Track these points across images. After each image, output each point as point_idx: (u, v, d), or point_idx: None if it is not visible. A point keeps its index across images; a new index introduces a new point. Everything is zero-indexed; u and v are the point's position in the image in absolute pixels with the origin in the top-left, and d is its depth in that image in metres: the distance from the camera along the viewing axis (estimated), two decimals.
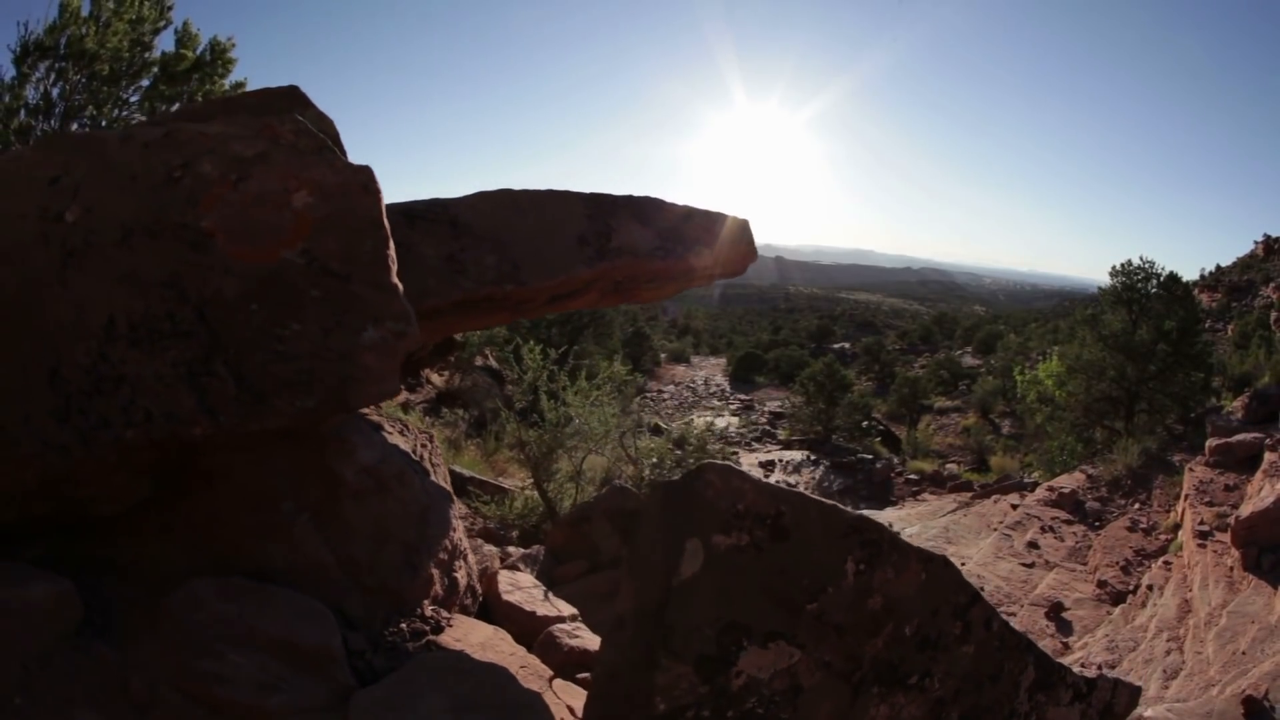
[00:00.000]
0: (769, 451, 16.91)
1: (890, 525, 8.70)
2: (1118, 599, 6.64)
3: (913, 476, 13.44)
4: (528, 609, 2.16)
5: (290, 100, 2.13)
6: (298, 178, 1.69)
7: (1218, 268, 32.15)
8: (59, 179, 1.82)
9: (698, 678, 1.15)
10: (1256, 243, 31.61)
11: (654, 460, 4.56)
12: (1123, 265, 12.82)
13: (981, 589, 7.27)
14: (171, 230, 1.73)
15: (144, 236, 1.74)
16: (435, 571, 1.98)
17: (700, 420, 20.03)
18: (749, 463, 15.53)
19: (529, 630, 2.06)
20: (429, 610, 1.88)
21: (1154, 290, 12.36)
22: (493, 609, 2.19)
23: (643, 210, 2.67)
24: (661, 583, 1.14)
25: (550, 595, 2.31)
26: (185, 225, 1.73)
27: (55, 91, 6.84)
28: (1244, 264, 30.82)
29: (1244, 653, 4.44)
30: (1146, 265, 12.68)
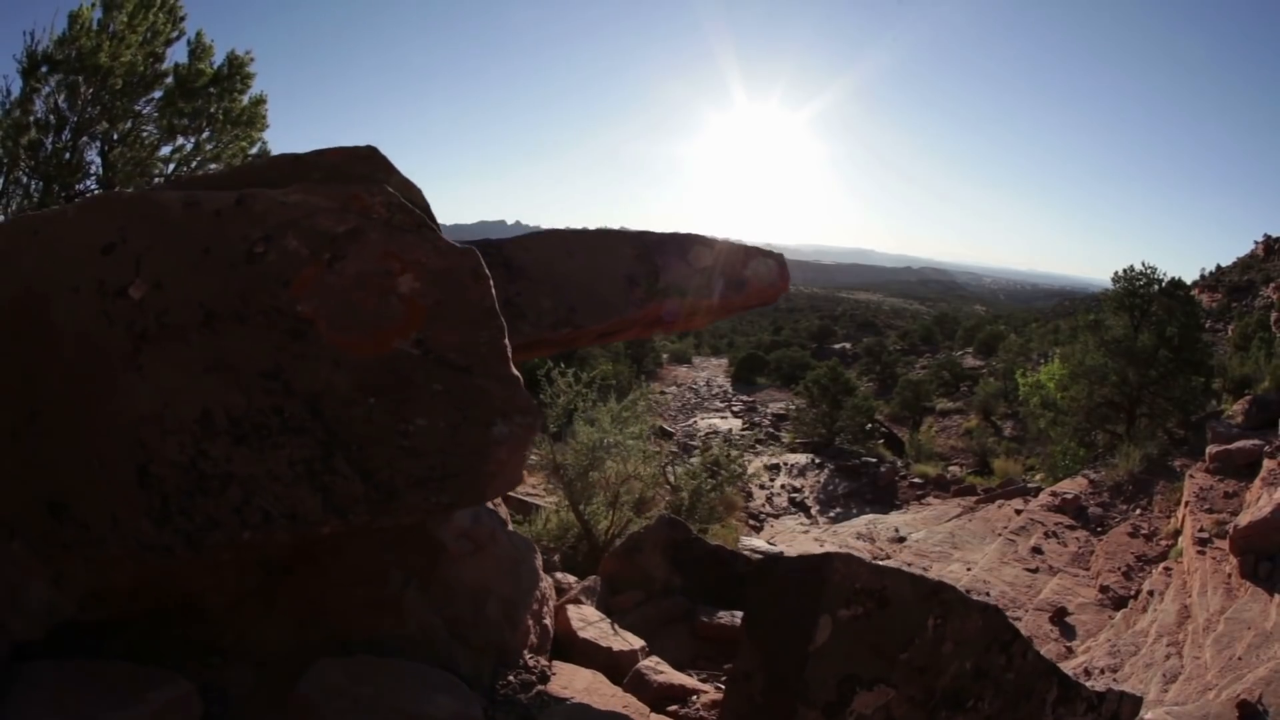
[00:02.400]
0: (773, 455, 17.08)
1: (896, 530, 8.93)
2: (1119, 604, 6.83)
3: (917, 480, 13.61)
4: (604, 645, 2.27)
5: (370, 163, 1.99)
6: (400, 259, 1.61)
7: (1218, 268, 32.24)
8: (114, 247, 1.67)
9: (823, 719, 1.46)
10: (1256, 243, 31.69)
11: (693, 486, 4.72)
12: (1125, 271, 12.98)
13: (987, 594, 7.48)
14: (263, 315, 1.60)
15: (230, 321, 1.60)
16: (530, 622, 2.05)
17: (705, 422, 20.10)
18: (754, 466, 15.68)
19: (608, 665, 2.18)
20: (530, 660, 1.97)
21: (1155, 293, 12.52)
22: (567, 645, 2.28)
23: (686, 248, 2.75)
24: (800, 649, 1.46)
25: (617, 628, 2.44)
26: (279, 310, 1.60)
27: (64, 105, 6.80)
28: (1244, 264, 30.91)
29: (1240, 658, 4.63)
30: (1149, 270, 12.85)
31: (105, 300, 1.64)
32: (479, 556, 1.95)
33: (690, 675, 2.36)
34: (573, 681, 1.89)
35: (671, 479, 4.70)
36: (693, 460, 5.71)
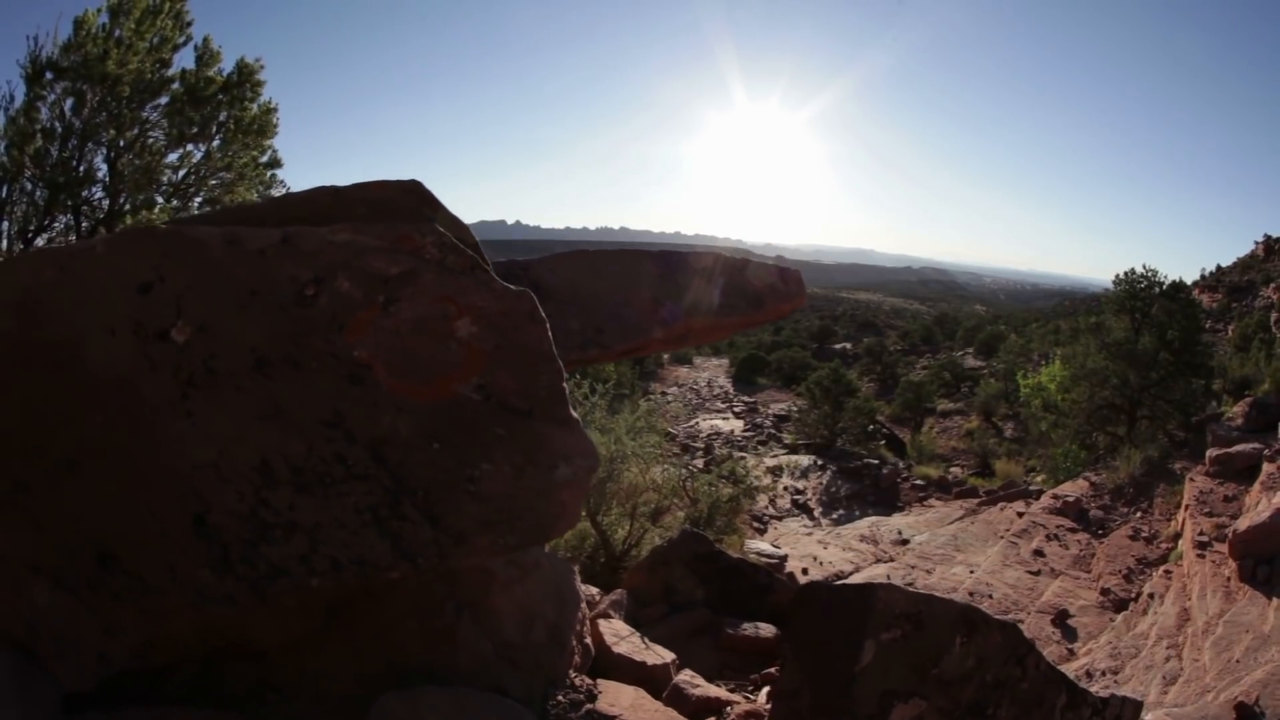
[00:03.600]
0: (775, 456, 17.18)
1: (899, 532, 9.08)
2: (1120, 606, 6.94)
3: (919, 482, 13.72)
4: (637, 659, 2.35)
5: (415, 198, 1.92)
6: (456, 303, 1.57)
7: (1218, 268, 32.38)
8: (151, 287, 1.60)
9: None
10: (1257, 243, 31.81)
11: (712, 499, 4.83)
12: (1126, 273, 13.08)
13: (990, 596, 7.59)
14: (319, 360, 1.55)
15: (285, 366, 1.55)
16: (574, 641, 2.11)
17: (707, 423, 20.11)
18: (753, 466, 15.77)
19: (643, 679, 2.25)
20: (576, 679, 2.03)
21: (1156, 295, 12.61)
22: (602, 660, 2.35)
23: (708, 265, 2.79)
24: (847, 669, 1.63)
25: (648, 642, 2.52)
26: (335, 355, 1.54)
27: (70, 112, 6.76)
28: (1244, 264, 31.03)
29: (1238, 661, 4.73)
30: (1150, 273, 12.95)
31: (145, 343, 1.58)
32: (525, 582, 2.01)
33: (719, 686, 2.47)
34: (618, 699, 1.98)
35: (689, 491, 4.81)
36: (697, 461, 5.82)
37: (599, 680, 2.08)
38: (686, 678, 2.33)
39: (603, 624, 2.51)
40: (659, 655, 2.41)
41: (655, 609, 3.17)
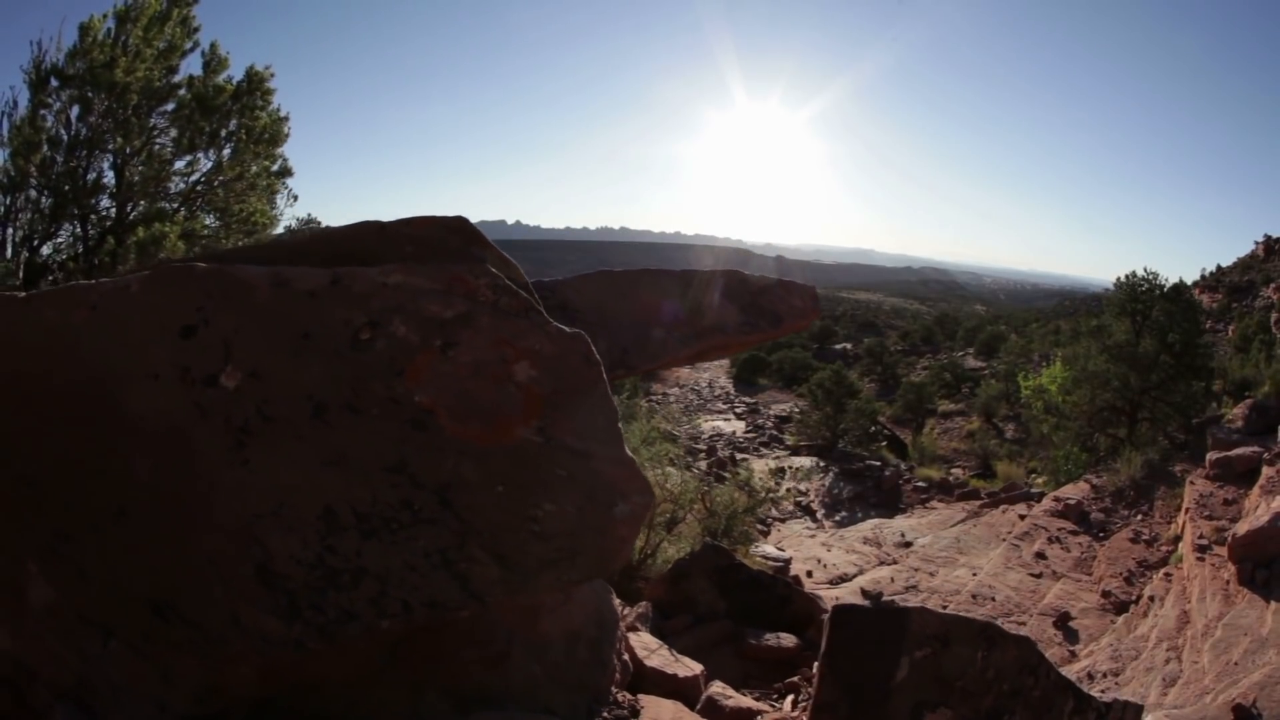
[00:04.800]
0: (777, 458, 17.29)
1: (902, 534, 9.18)
2: (1121, 609, 7.06)
3: (921, 484, 13.84)
4: (669, 672, 2.45)
5: (462, 236, 1.93)
6: (513, 346, 1.57)
7: (1218, 268, 32.46)
8: (195, 329, 1.56)
9: None
10: (1257, 243, 31.89)
11: (730, 510, 4.94)
12: (1127, 276, 13.17)
13: (992, 599, 7.71)
14: (379, 406, 1.53)
15: (344, 412, 1.53)
16: (614, 659, 2.20)
17: (709, 424, 20.22)
18: (759, 469, 15.91)
19: (674, 691, 2.35)
20: (618, 695, 2.13)
21: (1157, 297, 12.71)
22: (635, 673, 2.41)
23: (728, 286, 2.87)
24: (884, 684, 1.83)
25: (676, 654, 2.62)
26: (395, 400, 1.53)
27: (75, 118, 6.71)
28: (1244, 264, 31.13)
29: (1236, 663, 4.85)
30: (1150, 276, 13.05)
31: (193, 389, 1.54)
32: (569, 604, 2.11)
33: (747, 696, 2.59)
34: (659, 713, 2.08)
35: (706, 502, 4.93)
36: (700, 464, 5.90)
37: (639, 695, 2.18)
38: (719, 689, 2.44)
39: (632, 637, 2.59)
40: (689, 667, 2.52)
41: (679, 620, 3.28)
